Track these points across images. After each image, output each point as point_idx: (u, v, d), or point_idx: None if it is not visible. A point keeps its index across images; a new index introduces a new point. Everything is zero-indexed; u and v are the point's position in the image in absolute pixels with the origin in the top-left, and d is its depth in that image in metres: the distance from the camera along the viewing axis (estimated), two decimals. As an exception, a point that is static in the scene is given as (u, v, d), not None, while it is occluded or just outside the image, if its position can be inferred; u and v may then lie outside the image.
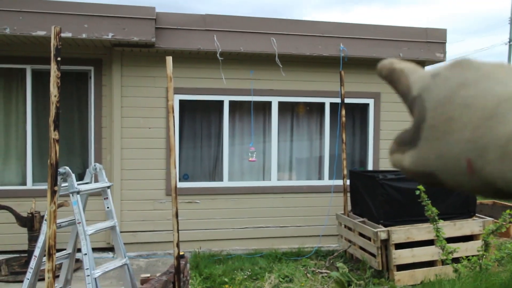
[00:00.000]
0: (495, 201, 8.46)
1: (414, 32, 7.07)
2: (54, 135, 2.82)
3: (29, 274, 3.83)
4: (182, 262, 4.41)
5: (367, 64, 7.10)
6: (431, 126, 0.41)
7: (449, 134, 0.39)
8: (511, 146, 0.35)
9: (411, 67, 0.46)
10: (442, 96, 0.41)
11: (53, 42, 2.86)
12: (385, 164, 7.19)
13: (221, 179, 6.87)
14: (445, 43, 7.16)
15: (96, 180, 4.29)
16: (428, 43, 7.07)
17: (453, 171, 0.40)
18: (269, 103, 6.99)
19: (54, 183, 2.82)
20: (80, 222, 3.77)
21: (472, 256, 5.16)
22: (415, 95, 0.43)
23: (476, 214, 5.89)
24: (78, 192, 3.79)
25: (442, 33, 7.16)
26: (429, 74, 0.44)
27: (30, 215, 5.42)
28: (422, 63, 7.35)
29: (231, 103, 6.88)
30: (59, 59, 2.88)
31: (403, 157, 0.44)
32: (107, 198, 4.13)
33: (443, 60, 7.24)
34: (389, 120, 7.25)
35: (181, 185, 6.61)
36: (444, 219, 5.33)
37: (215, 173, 7.04)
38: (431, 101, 0.41)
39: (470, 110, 0.38)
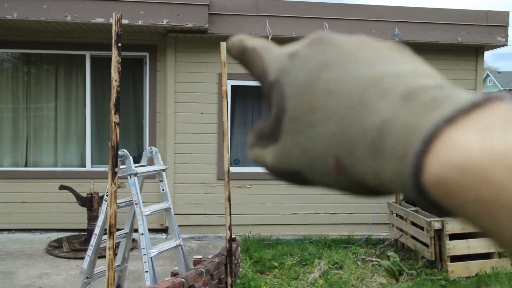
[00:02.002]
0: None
1: (473, 15, 6.78)
2: (115, 118, 2.93)
3: (89, 251, 4.02)
4: (234, 245, 4.50)
5: (424, 49, 6.89)
6: (292, 117, 0.34)
7: (312, 126, 0.33)
8: (381, 140, 0.29)
9: (265, 44, 0.39)
10: (302, 81, 0.34)
11: (114, 28, 2.96)
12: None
13: (271, 165, 6.89)
14: (507, 26, 6.82)
15: (152, 163, 4.43)
16: (489, 26, 6.76)
17: (319, 169, 0.34)
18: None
19: (114, 164, 2.94)
20: (137, 203, 3.91)
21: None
22: (271, 80, 0.36)
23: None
24: (135, 174, 3.92)
25: (504, 16, 6.83)
26: (286, 53, 0.36)
27: (89, 195, 5.66)
28: (482, 48, 7.05)
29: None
30: (119, 45, 2.97)
31: (264, 152, 0.38)
32: (162, 180, 4.25)
33: (504, 44, 6.92)
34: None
35: (232, 169, 6.68)
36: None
37: (265, 159, 7.06)
38: (290, 87, 0.34)
39: (334, 98, 0.32)
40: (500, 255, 5.18)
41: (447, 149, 0.26)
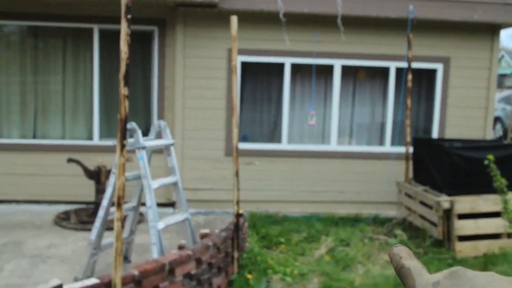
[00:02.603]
0: None
1: (490, -7, 6.60)
2: (124, 91, 2.88)
3: (97, 223, 4.04)
4: (241, 220, 4.50)
5: (437, 27, 6.75)
6: None
7: None
8: None
9: (418, 267, 0.49)
10: None
11: (123, 1, 2.89)
12: (451, 133, 6.90)
13: (280, 141, 6.86)
14: (524, 4, 6.65)
15: (160, 138, 4.40)
16: (506, 5, 6.59)
17: None
18: (331, 66, 6.83)
19: (123, 137, 2.91)
20: (145, 177, 3.90)
21: (542, 231, 4.92)
22: None
23: (549, 188, 5.57)
24: (143, 148, 3.90)
25: (522, -7, 6.64)
26: (431, 281, 0.47)
27: (97, 169, 5.67)
28: (498, 27, 6.89)
29: (293, 66, 6.78)
30: (129, 17, 2.91)
31: None
32: (170, 155, 4.23)
33: (521, 23, 6.75)
34: (458, 87, 6.91)
35: (240, 146, 6.66)
36: (513, 191, 5.08)
37: (274, 136, 7.04)
38: None
39: None
40: (509, 236, 5.14)
41: None
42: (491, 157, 4.85)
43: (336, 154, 6.89)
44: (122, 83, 2.87)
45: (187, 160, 6.63)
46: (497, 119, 16.30)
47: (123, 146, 2.88)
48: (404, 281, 0.50)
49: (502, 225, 5.14)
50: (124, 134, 2.88)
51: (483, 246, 5.16)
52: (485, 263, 4.77)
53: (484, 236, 5.22)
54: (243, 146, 6.74)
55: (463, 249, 5.13)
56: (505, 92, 16.73)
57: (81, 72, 6.77)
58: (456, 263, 4.84)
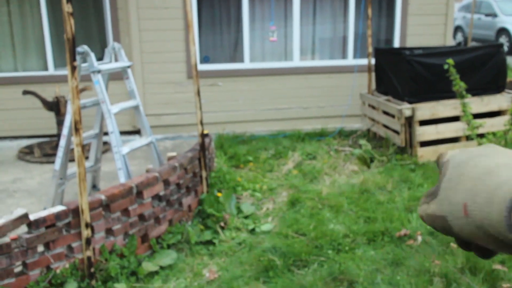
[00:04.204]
0: (526, 78, 8.17)
1: None
2: (67, 8, 2.71)
3: (60, 153, 3.96)
4: (207, 140, 4.50)
5: None
6: (448, 179, 0.55)
7: (458, 184, 0.53)
8: (497, 191, 0.47)
9: (451, 151, 0.60)
10: (462, 160, 0.55)
11: None
12: (413, 42, 6.90)
13: (242, 61, 6.74)
14: None
15: (116, 61, 4.24)
16: None
17: (456, 214, 0.52)
18: (291, -22, 6.59)
19: (73, 58, 2.77)
20: (104, 102, 3.80)
21: (498, 131, 5.11)
22: (445, 160, 0.58)
23: (506, 90, 5.72)
24: (99, 71, 3.76)
25: None
26: (458, 150, 0.59)
27: (56, 99, 5.49)
28: None
29: (250, -21, 6.51)
30: None
31: (428, 206, 0.57)
32: (128, 78, 4.11)
33: None
34: (418, -7, 6.81)
35: (202, 67, 6.53)
36: (472, 95, 5.20)
37: (236, 55, 6.90)
38: (454, 162, 0.56)
39: (476, 168, 0.52)
40: (467, 138, 5.33)
41: None
42: (450, 61, 4.89)
43: (299, 70, 6.84)
44: (64, 0, 2.69)
45: (148, 85, 6.47)
46: (457, 28, 16.40)
47: (74, 67, 2.76)
48: (438, 162, 0.62)
49: (461, 129, 5.31)
50: (73, 55, 2.75)
51: (443, 150, 5.31)
52: (445, 165, 4.96)
53: (444, 140, 5.39)
54: (205, 67, 6.60)
55: (425, 154, 5.31)
56: (465, 1, 16.70)
57: (26, 1, 6.34)
58: (418, 168, 5.03)
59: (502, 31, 14.79)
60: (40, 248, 2.93)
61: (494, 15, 15.21)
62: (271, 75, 6.77)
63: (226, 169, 5.04)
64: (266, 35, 6.77)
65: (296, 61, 6.86)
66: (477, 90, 5.41)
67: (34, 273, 2.86)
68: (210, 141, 4.71)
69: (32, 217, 2.83)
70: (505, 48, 14.01)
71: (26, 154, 5.76)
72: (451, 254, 3.34)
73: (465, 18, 15.95)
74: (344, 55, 7.04)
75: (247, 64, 6.72)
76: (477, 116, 5.26)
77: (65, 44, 2.76)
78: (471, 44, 11.37)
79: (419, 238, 3.57)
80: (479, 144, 4.97)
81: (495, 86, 5.62)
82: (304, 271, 3.29)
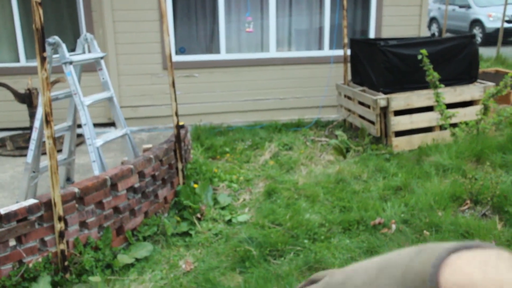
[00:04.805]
0: (498, 69, 8.35)
1: None
2: (36, -3, 2.65)
3: (32, 145, 3.89)
4: (182, 131, 4.47)
5: None
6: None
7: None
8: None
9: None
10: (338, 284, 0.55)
11: None
12: (388, 32, 6.96)
13: (218, 52, 6.70)
14: None
15: (89, 52, 4.17)
16: None
17: None
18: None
19: (42, 49, 2.72)
20: (76, 93, 3.74)
21: (471, 121, 5.21)
22: (321, 279, 0.61)
23: (478, 80, 5.82)
24: (70, 63, 3.69)
25: None
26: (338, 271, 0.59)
27: (28, 91, 5.38)
28: None
29: (226, -31, 6.47)
30: None
31: None
32: (101, 69, 4.04)
33: None
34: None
35: (178, 58, 6.47)
36: (446, 85, 5.28)
37: (212, 46, 6.85)
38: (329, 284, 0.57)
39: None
40: (440, 128, 5.42)
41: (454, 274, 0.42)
42: (424, 51, 4.95)
43: (275, 61, 6.84)
44: (33, -11, 2.63)
45: (124, 76, 6.39)
46: (432, 19, 16.60)
47: (43, 58, 2.70)
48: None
49: (435, 118, 5.39)
50: (42, 45, 2.69)
51: (417, 140, 5.42)
52: (419, 154, 5.04)
53: (418, 130, 5.47)
54: (181, 58, 6.55)
55: (399, 143, 5.38)
56: (441, -8, 16.89)
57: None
58: (393, 157, 5.09)
59: (476, 22, 15.03)
60: (12, 242, 2.88)
61: (468, 7, 15.44)
62: (247, 66, 6.75)
63: (203, 161, 5.02)
64: (242, 26, 6.75)
65: (273, 52, 6.85)
66: (450, 80, 5.50)
67: (6, 268, 2.81)
68: (186, 133, 4.68)
69: (2, 211, 2.78)
70: (478, 39, 14.24)
71: (-2, 147, 5.64)
72: (424, 241, 3.40)
73: (440, 9, 16.16)
74: (320, 46, 7.06)
75: (223, 55, 6.69)
76: (450, 106, 5.35)
77: (34, 34, 2.70)
78: (446, 35, 11.53)
79: (393, 226, 3.62)
80: (452, 134, 5.06)
81: (467, 76, 5.71)
82: (280, 261, 3.31)
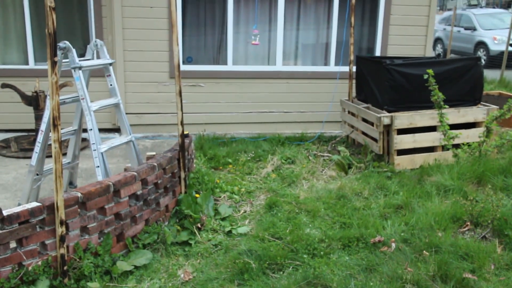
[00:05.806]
0: (501, 92, 8.38)
1: None
2: (49, 2, 2.69)
3: (37, 148, 3.92)
4: (187, 141, 4.49)
5: None
6: None
7: None
8: None
9: None
10: None
11: None
12: (394, 51, 7.01)
13: (225, 63, 6.76)
14: None
15: (98, 58, 4.21)
16: None
17: None
18: (276, -17, 6.63)
19: (53, 53, 2.75)
20: (83, 98, 3.77)
21: (473, 142, 5.22)
22: None
23: (481, 103, 5.85)
24: (80, 68, 3.73)
25: None
26: None
27: (35, 94, 5.42)
28: None
29: (236, -18, 6.54)
30: None
31: None
32: (109, 75, 4.08)
33: None
34: (401, 4, 6.93)
35: (185, 68, 6.53)
36: (449, 106, 5.31)
37: (219, 57, 6.91)
38: None
39: None
40: (443, 148, 5.43)
41: None
42: (430, 71, 4.99)
43: (281, 74, 6.88)
44: (48, -5, 2.67)
45: (130, 83, 6.44)
46: (437, 40, 16.72)
47: (54, 62, 2.73)
48: None
49: (438, 139, 5.41)
50: (54, 49, 2.73)
51: (419, 159, 5.44)
52: (421, 174, 5.05)
53: (420, 149, 5.48)
54: (188, 68, 6.60)
55: (401, 162, 5.40)
56: (446, 13, 17.04)
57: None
58: (394, 176, 5.10)
59: (480, 44, 15.12)
60: (13, 244, 2.89)
61: (473, 29, 15.55)
62: (253, 78, 6.80)
63: (205, 170, 5.04)
64: (249, 38, 6.80)
65: (279, 66, 6.90)
66: (454, 101, 5.53)
67: (5, 270, 2.82)
68: (190, 142, 4.70)
69: (5, 212, 2.79)
70: (482, 62, 14.32)
71: (2, 148, 5.67)
72: (423, 261, 3.40)
73: (445, 30, 16.27)
74: (326, 62, 7.11)
75: (230, 66, 6.74)
76: (454, 127, 5.37)
77: (46, 38, 2.74)
78: (450, 56, 11.60)
79: (393, 245, 3.63)
80: (454, 155, 5.07)
81: (472, 98, 5.75)
82: (279, 275, 3.31)
